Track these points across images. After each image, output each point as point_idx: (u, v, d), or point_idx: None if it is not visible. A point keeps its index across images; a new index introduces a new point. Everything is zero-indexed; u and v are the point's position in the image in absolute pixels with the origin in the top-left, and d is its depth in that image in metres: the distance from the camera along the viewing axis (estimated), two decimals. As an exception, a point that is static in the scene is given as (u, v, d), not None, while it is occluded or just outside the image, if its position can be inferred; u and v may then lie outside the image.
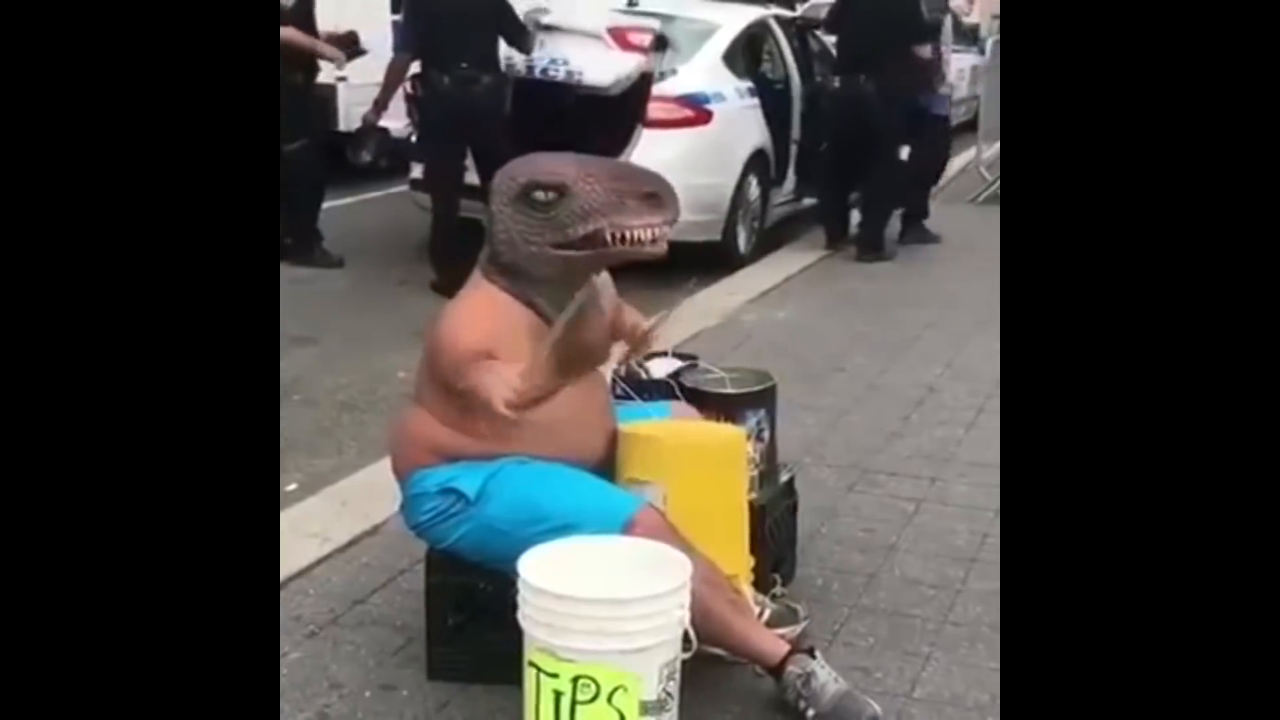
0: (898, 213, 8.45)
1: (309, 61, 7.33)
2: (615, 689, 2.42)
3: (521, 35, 7.17)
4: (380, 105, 7.21)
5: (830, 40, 9.50)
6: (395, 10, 10.08)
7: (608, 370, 3.26)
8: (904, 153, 8.02)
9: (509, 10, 7.11)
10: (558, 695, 2.44)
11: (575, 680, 2.42)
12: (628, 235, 2.75)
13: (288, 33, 6.85)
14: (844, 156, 8.04)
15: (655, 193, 2.80)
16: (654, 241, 2.78)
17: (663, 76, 7.47)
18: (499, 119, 7.09)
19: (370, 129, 7.35)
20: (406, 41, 7.03)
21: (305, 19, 7.28)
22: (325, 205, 7.89)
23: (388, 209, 8.38)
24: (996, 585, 3.41)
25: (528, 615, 2.48)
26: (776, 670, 2.77)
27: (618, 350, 3.13)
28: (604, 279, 2.98)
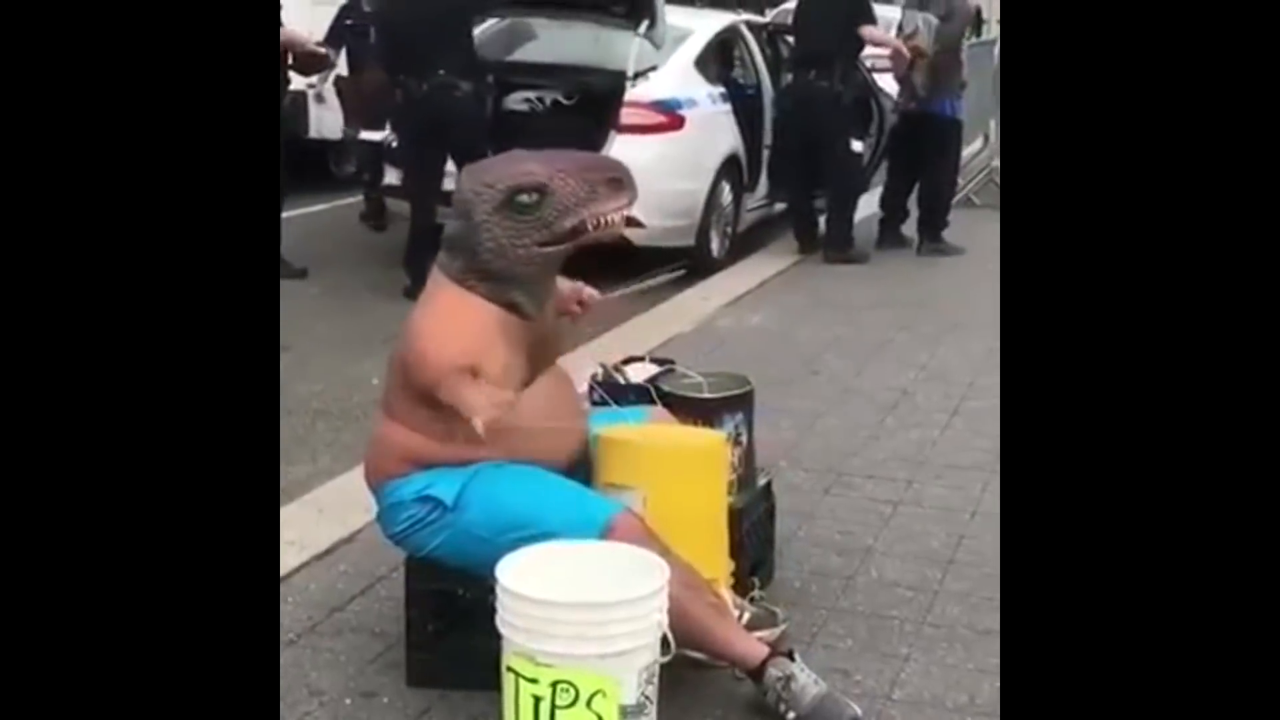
0: (877, 216, 8.48)
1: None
2: (594, 693, 2.42)
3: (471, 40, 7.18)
4: (355, 118, 7.21)
5: None
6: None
7: (583, 379, 3.26)
8: (857, 146, 8.11)
9: (469, 19, 7.14)
10: (537, 700, 2.44)
11: (554, 685, 2.43)
12: (603, 220, 2.85)
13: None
14: (804, 155, 8.07)
15: (617, 176, 2.90)
16: (621, 222, 2.89)
17: (634, 82, 7.48)
18: (479, 125, 7.07)
19: (352, 141, 7.33)
20: (379, 54, 7.01)
21: None
22: (297, 213, 7.87)
23: (354, 216, 8.37)
24: (973, 586, 3.45)
25: (506, 620, 2.49)
26: (756, 673, 2.77)
27: (582, 365, 3.16)
28: None
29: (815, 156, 8.00)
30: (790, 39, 9.07)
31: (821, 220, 8.35)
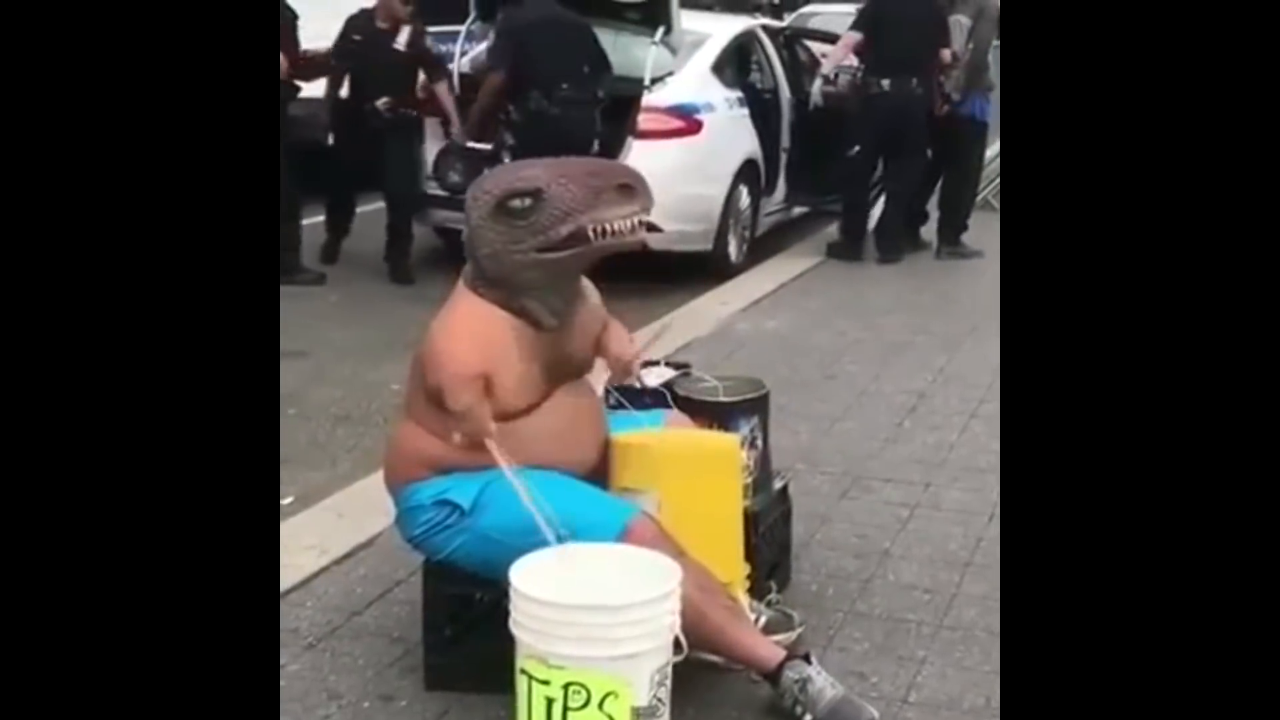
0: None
1: (285, 78, 7.30)
2: (606, 695, 2.43)
3: (602, 69, 7.23)
4: (475, 125, 7.14)
5: (820, 48, 9.51)
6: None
7: (599, 384, 3.27)
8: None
9: (599, 46, 7.22)
10: (549, 702, 2.45)
11: (566, 687, 2.44)
12: (608, 228, 2.79)
13: None
14: (881, 159, 8.01)
15: (628, 183, 2.84)
16: (633, 230, 2.82)
17: (651, 87, 7.49)
18: (591, 142, 7.08)
19: (458, 149, 7.21)
20: (501, 59, 7.00)
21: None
22: (318, 220, 7.90)
23: (379, 223, 8.37)
24: (991, 589, 3.45)
25: (519, 622, 2.50)
26: (773, 676, 2.78)
27: (600, 370, 3.15)
28: (587, 286, 3.01)
29: (891, 160, 7.95)
30: (805, 42, 9.04)
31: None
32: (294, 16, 7.34)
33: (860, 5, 8.37)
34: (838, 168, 8.43)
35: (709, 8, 9.37)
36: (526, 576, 2.52)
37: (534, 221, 2.77)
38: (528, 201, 2.77)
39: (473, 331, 2.83)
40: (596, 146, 7.16)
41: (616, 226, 2.79)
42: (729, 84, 8.19)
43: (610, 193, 2.80)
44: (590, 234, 2.78)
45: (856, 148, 8.03)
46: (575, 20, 7.18)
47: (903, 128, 7.88)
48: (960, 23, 8.05)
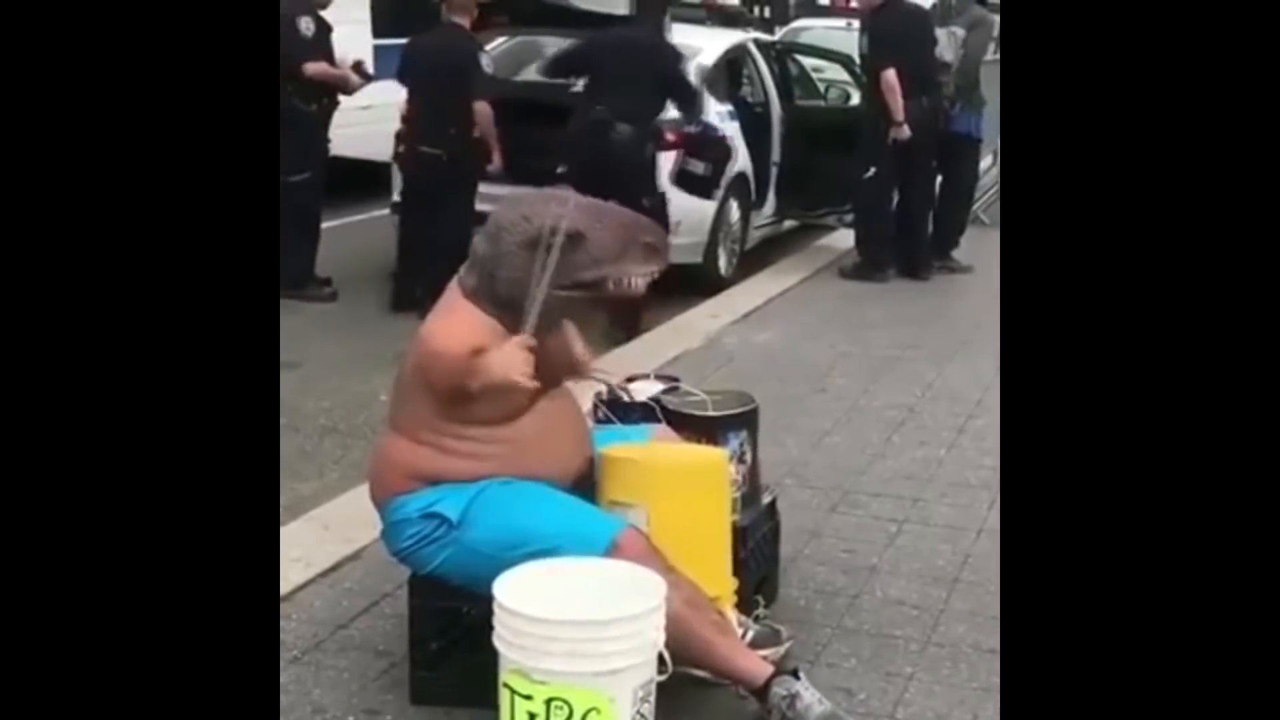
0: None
1: (330, 90, 7.35)
2: (589, 710, 2.42)
3: (690, 101, 7.13)
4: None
5: (811, 62, 9.52)
6: (377, 35, 10.06)
7: (587, 396, 3.27)
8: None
9: (680, 75, 7.06)
10: (532, 717, 2.44)
11: (549, 702, 2.43)
12: (624, 281, 2.88)
13: (317, 68, 7.08)
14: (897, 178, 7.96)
15: (653, 243, 2.92)
16: (643, 286, 2.93)
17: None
18: (639, 170, 6.92)
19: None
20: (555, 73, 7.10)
21: (323, 47, 7.27)
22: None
23: (367, 233, 8.37)
24: (979, 605, 3.45)
25: (502, 637, 2.50)
26: (760, 692, 2.77)
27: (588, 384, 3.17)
28: None
29: (911, 178, 7.93)
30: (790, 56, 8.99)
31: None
32: (328, 29, 7.36)
33: (871, 36, 7.92)
34: (838, 185, 8.37)
35: (701, 22, 9.33)
36: (511, 590, 2.52)
37: (565, 262, 2.80)
38: (563, 242, 2.80)
39: (466, 327, 2.83)
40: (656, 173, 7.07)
41: (634, 282, 2.89)
42: (720, 97, 8.19)
43: (636, 247, 2.88)
44: (609, 284, 2.87)
45: (872, 170, 7.82)
46: (634, 47, 7.01)
47: (923, 146, 7.80)
48: (955, 33, 8.03)
